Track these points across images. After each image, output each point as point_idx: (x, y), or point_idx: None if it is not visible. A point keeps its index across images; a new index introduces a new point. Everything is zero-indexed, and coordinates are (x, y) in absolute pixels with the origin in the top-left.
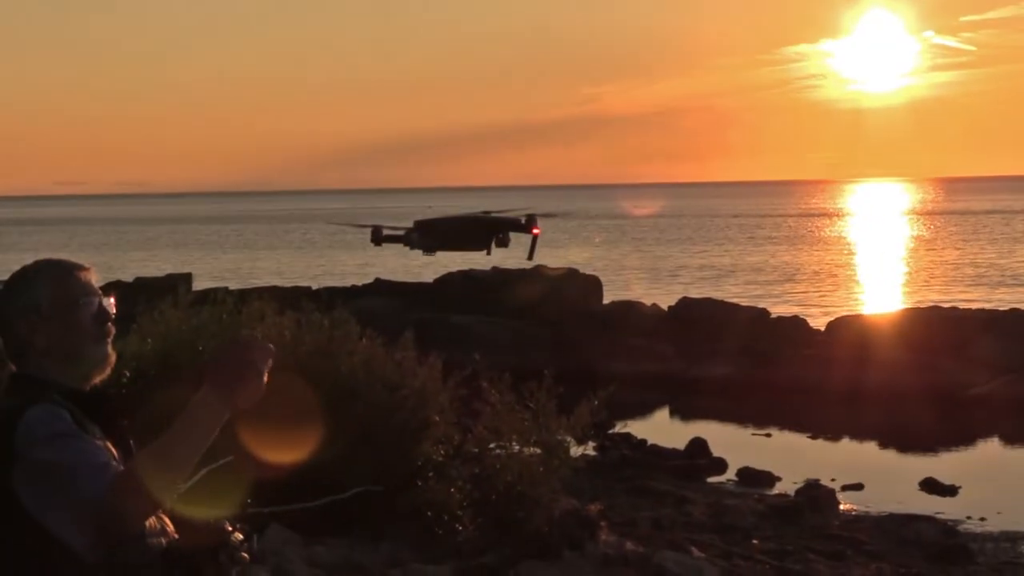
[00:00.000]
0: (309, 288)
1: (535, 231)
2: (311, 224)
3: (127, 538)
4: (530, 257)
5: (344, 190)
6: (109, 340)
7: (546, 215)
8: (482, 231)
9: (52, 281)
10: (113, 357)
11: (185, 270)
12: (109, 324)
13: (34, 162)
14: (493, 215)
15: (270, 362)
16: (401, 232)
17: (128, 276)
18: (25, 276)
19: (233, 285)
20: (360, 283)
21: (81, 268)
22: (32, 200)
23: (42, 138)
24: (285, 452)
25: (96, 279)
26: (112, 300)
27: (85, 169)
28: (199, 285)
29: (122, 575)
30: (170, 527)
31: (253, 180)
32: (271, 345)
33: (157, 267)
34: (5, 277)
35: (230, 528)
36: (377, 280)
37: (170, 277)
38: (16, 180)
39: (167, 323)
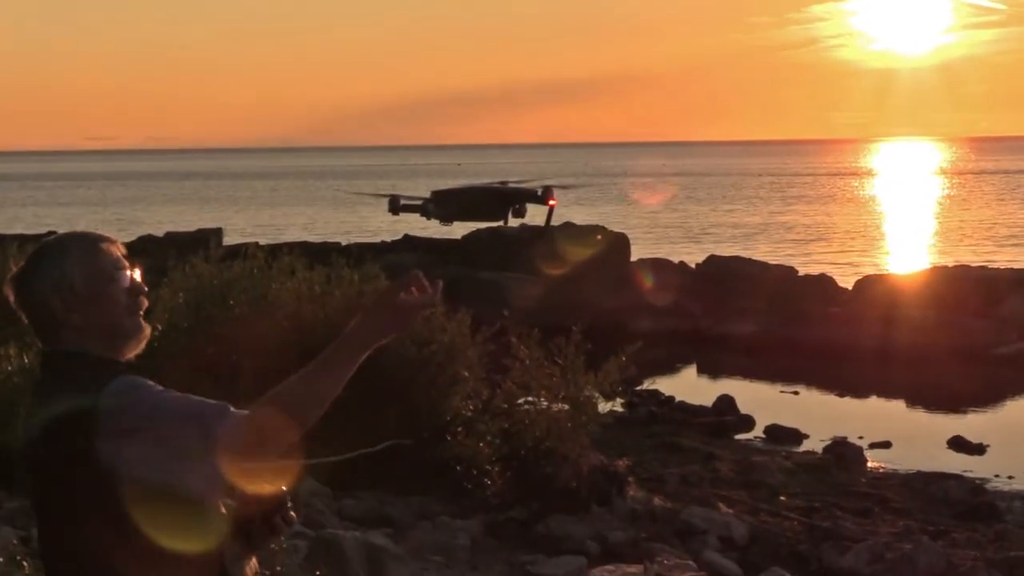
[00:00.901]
0: (339, 244)
1: (551, 202)
2: (340, 180)
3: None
4: (546, 225)
5: (372, 147)
6: (141, 313)
7: (563, 186)
8: (499, 202)
9: (83, 257)
10: (147, 330)
11: (215, 225)
12: (142, 297)
13: (65, 117)
14: (510, 186)
15: (428, 304)
16: (418, 202)
17: (159, 231)
18: (53, 252)
19: (263, 240)
20: (389, 239)
21: (108, 241)
22: (63, 155)
23: (73, 93)
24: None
25: (122, 251)
26: (139, 272)
27: (115, 124)
28: (229, 240)
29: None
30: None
31: (283, 136)
32: (437, 286)
33: (188, 222)
34: (39, 232)
35: (284, 488)
36: (406, 236)
37: (201, 232)
38: (48, 135)
39: (198, 277)
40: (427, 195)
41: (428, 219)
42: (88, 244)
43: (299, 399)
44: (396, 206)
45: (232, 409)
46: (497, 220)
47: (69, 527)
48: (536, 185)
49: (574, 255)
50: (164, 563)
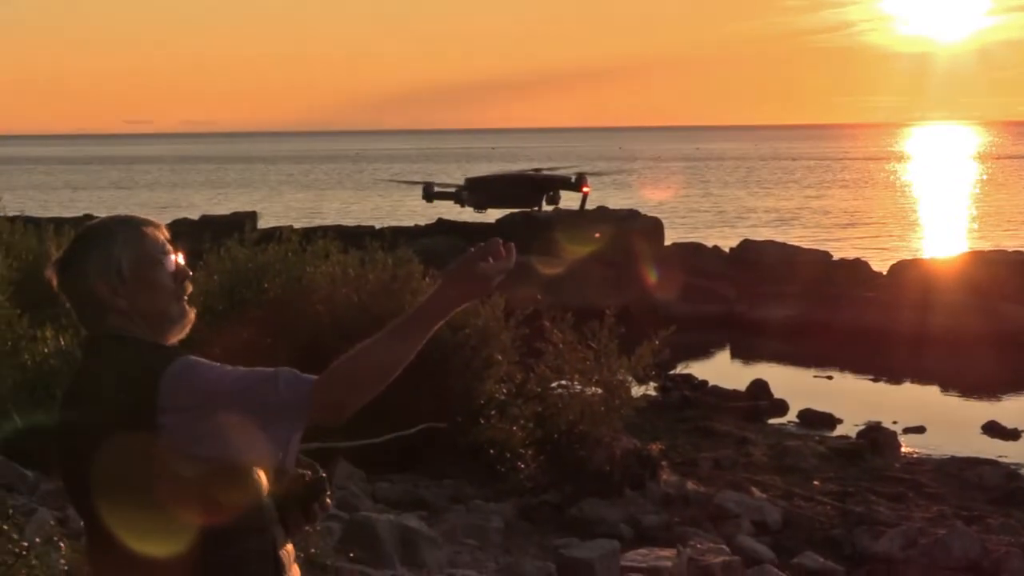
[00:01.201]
0: (372, 227)
1: (585, 189)
2: (376, 164)
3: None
4: (581, 209)
5: (407, 130)
6: (186, 298)
7: (595, 173)
8: (532, 189)
9: (130, 241)
10: (192, 315)
11: (250, 208)
12: (187, 282)
13: (103, 100)
14: (544, 173)
15: (505, 269)
16: (452, 189)
17: (194, 214)
18: (99, 236)
19: (298, 224)
20: (423, 223)
21: (153, 225)
22: (101, 138)
23: (110, 76)
24: None
25: (167, 235)
26: (182, 256)
27: (152, 107)
28: (264, 224)
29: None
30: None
31: (318, 120)
32: (511, 250)
33: (223, 205)
34: (74, 215)
35: (324, 475)
36: (440, 220)
37: (236, 215)
38: (87, 118)
39: (233, 260)
40: (461, 182)
41: (462, 206)
42: (134, 228)
43: (374, 363)
44: (430, 193)
45: (300, 373)
46: (531, 207)
47: (125, 507)
48: (570, 172)
49: (608, 239)
50: (221, 543)
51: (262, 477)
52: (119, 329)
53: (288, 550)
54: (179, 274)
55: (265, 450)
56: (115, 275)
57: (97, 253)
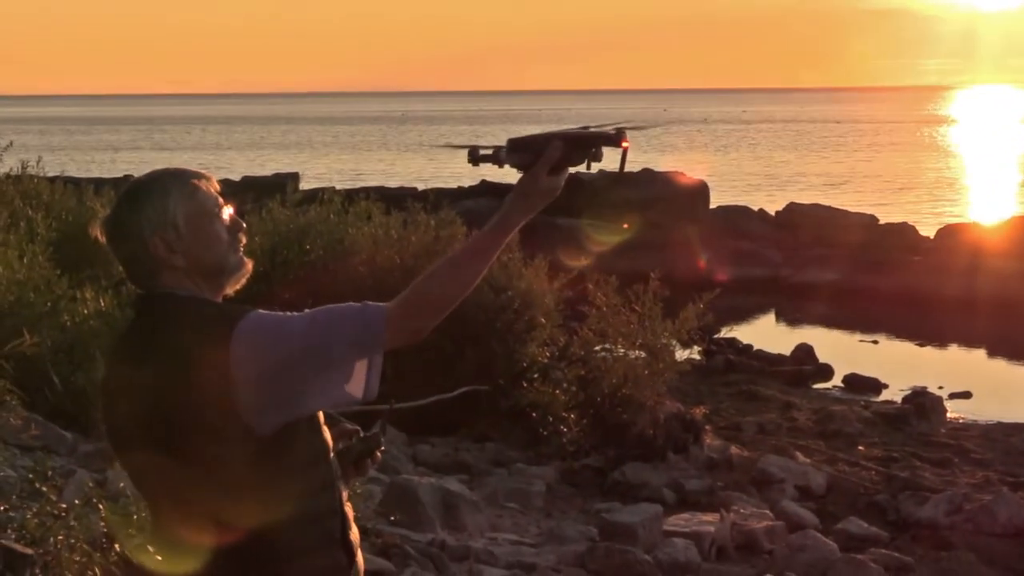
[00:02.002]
0: (415, 189)
1: (624, 144)
2: (421, 126)
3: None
4: (621, 170)
5: (452, 92)
6: (242, 248)
7: (636, 127)
8: (574, 147)
9: (184, 195)
10: (250, 266)
11: (293, 169)
12: (241, 233)
13: (147, 61)
14: (589, 130)
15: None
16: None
17: (236, 175)
18: (152, 191)
19: (340, 185)
20: (467, 185)
21: (205, 177)
22: (143, 98)
23: (154, 38)
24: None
25: (217, 188)
26: (233, 209)
27: (195, 69)
28: (306, 185)
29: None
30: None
31: (365, 81)
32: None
33: (265, 166)
34: (114, 176)
35: (378, 430)
36: (483, 182)
37: (277, 176)
38: (132, 79)
39: (275, 221)
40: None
41: (500, 166)
42: (187, 181)
43: (454, 283)
44: (476, 157)
45: (369, 304)
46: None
47: (191, 467)
48: (611, 127)
49: (652, 202)
50: (290, 500)
51: (327, 433)
52: (174, 287)
53: (348, 505)
54: (234, 226)
55: (343, 392)
56: (171, 230)
57: (151, 208)
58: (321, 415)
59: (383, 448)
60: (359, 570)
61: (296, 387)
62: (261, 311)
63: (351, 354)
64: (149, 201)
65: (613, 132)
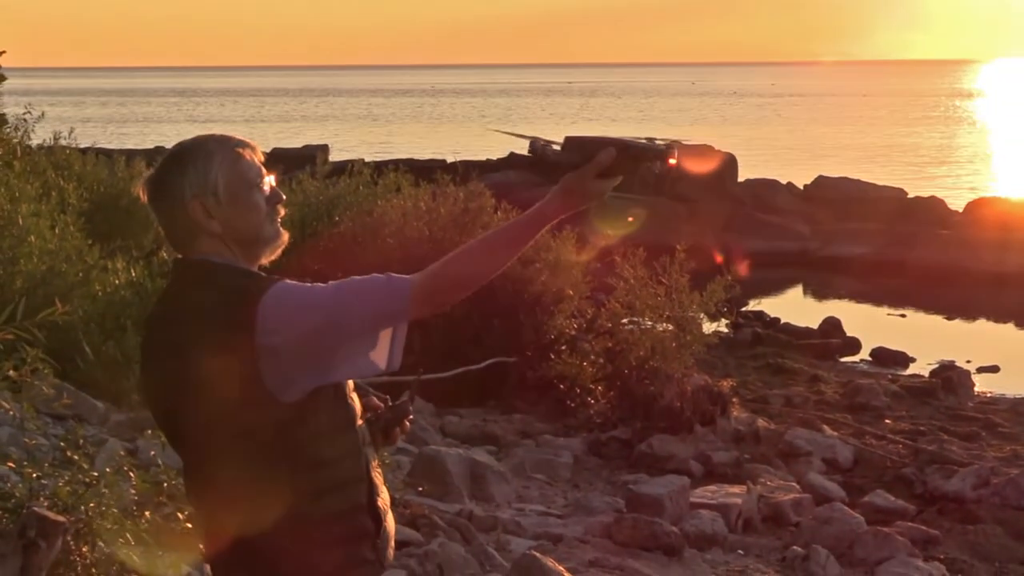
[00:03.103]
0: (444, 161)
1: (671, 161)
2: (454, 98)
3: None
4: (660, 184)
5: (485, 64)
6: (279, 219)
7: (688, 143)
8: (629, 159)
9: (227, 162)
10: (286, 236)
11: (322, 142)
12: (279, 204)
13: (180, 34)
14: (642, 141)
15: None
16: (557, 147)
17: (266, 147)
18: (197, 155)
19: (369, 157)
20: (495, 157)
21: (250, 147)
22: (175, 71)
23: (189, 12)
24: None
25: (261, 157)
26: (274, 179)
27: (227, 42)
28: (336, 157)
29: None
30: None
31: (395, 54)
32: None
33: (294, 138)
34: (146, 147)
35: (407, 399)
36: (511, 154)
37: (307, 148)
38: (166, 52)
39: (304, 193)
40: (560, 139)
41: (550, 162)
42: (231, 149)
43: (482, 264)
44: (536, 149)
45: (394, 276)
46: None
47: (220, 432)
48: (662, 141)
49: (680, 175)
50: (316, 466)
51: (356, 400)
52: (210, 254)
53: (378, 471)
54: (273, 196)
55: (368, 361)
56: (211, 196)
57: (193, 172)
58: (351, 384)
59: (412, 417)
60: (388, 535)
61: (321, 356)
62: (289, 281)
63: (376, 325)
64: (193, 165)
65: (663, 147)
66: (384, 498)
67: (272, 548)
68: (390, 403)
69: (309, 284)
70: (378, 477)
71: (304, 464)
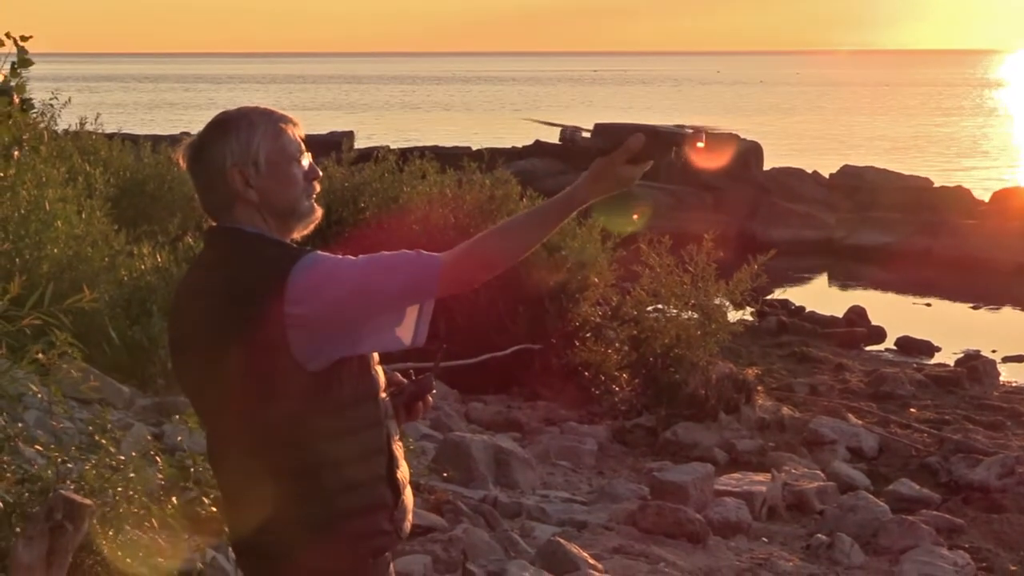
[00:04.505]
0: (470, 148)
1: (699, 145)
2: (482, 86)
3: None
4: (679, 164)
5: (510, 52)
6: (314, 196)
7: (713, 131)
8: (659, 145)
9: (270, 133)
10: (319, 212)
11: (348, 128)
12: (316, 181)
13: (202, 20)
14: (672, 127)
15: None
16: (587, 134)
17: None
18: (240, 125)
19: (395, 144)
20: (520, 145)
21: (292, 122)
22: (198, 57)
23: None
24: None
25: (302, 134)
26: (311, 157)
27: (254, 27)
28: (361, 143)
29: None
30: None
31: (423, 41)
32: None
33: (321, 125)
34: (172, 133)
35: (429, 373)
36: (537, 142)
37: (333, 135)
38: (185, 39)
39: (329, 179)
40: (588, 125)
41: (578, 148)
42: (275, 122)
43: (511, 245)
44: (567, 136)
45: (424, 253)
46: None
47: (246, 399)
48: (689, 128)
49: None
50: (338, 436)
51: (380, 371)
52: (244, 223)
53: (399, 444)
54: (310, 172)
55: (393, 335)
56: (251, 165)
57: (235, 141)
58: (376, 356)
59: (434, 391)
60: (406, 508)
61: (347, 328)
62: (320, 252)
63: (403, 300)
64: (235, 134)
65: (691, 132)
66: (404, 471)
67: (291, 515)
68: (413, 376)
69: (340, 256)
70: (399, 450)
71: (326, 433)
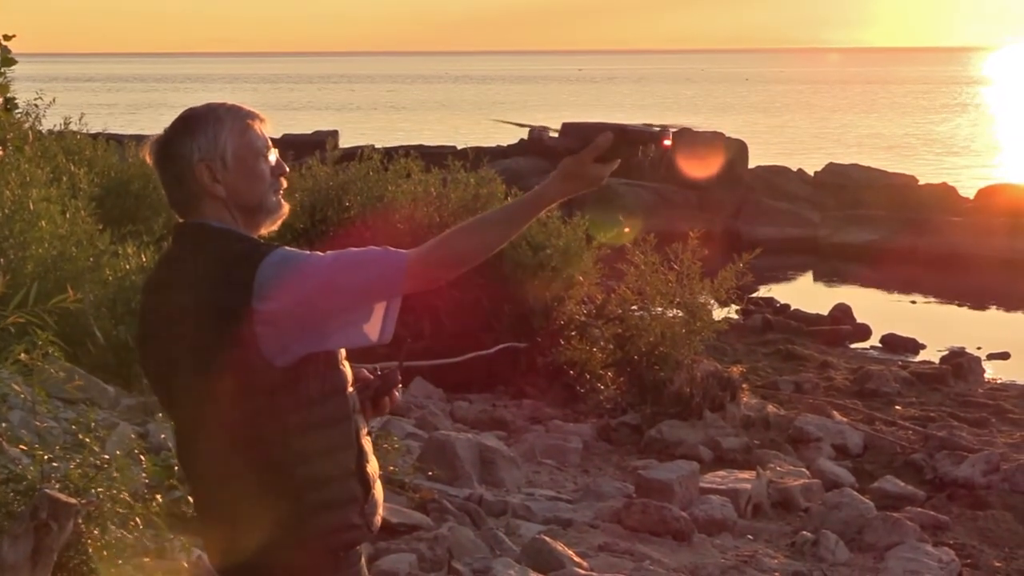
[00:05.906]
0: (455, 147)
1: (665, 143)
2: (465, 85)
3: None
4: (658, 167)
5: (495, 51)
6: (282, 192)
7: (681, 128)
8: (627, 143)
9: (236, 130)
10: (286, 208)
11: (332, 128)
12: (283, 177)
13: (184, 19)
14: (639, 126)
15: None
16: (555, 135)
17: (276, 133)
18: (207, 120)
19: (380, 143)
20: (506, 144)
21: (259, 118)
22: (181, 56)
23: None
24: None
25: (268, 131)
26: (278, 155)
27: (235, 28)
28: (346, 143)
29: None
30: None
31: (405, 41)
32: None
33: (305, 124)
34: (157, 132)
35: (395, 369)
36: (522, 140)
37: (317, 134)
38: (164, 38)
39: (315, 178)
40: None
41: (549, 147)
42: (242, 118)
43: (480, 242)
44: (535, 136)
45: (391, 249)
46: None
47: (213, 394)
48: (657, 127)
49: (691, 161)
50: (306, 431)
51: (347, 367)
52: (212, 219)
53: (367, 439)
54: (277, 168)
55: (361, 332)
56: (218, 161)
57: (203, 137)
58: (343, 352)
59: (400, 386)
60: (376, 502)
61: (315, 324)
62: (287, 248)
63: (369, 295)
64: (202, 129)
65: (658, 130)
66: (373, 466)
67: (261, 511)
68: (379, 373)
69: (308, 252)
70: (367, 445)
71: (294, 428)
